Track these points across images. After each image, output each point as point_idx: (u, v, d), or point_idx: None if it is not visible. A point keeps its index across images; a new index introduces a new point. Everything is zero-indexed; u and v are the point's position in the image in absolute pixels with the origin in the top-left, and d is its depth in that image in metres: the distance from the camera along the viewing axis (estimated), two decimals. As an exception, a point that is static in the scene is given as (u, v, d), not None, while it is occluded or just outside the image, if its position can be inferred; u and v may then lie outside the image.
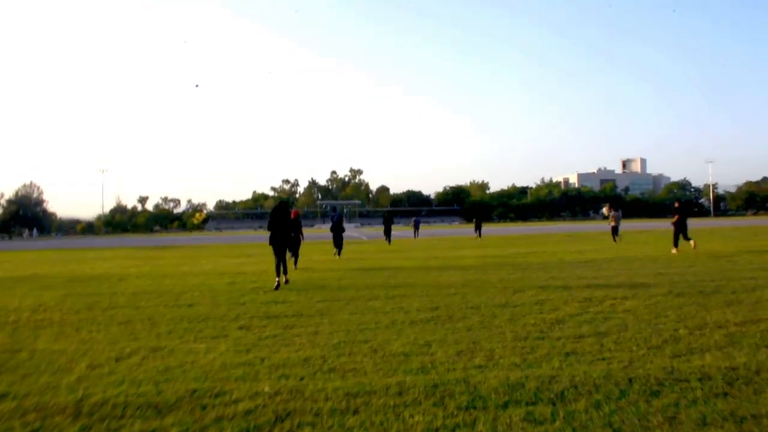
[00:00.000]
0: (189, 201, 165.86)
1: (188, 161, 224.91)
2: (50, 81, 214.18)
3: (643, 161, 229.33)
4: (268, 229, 13.60)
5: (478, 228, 44.05)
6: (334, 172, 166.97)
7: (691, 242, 19.97)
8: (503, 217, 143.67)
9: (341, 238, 22.96)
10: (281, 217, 13.57)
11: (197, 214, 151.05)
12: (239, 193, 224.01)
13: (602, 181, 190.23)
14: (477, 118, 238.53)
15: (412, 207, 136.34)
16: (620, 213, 30.43)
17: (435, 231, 61.49)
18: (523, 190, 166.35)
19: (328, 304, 10.00)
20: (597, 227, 53.28)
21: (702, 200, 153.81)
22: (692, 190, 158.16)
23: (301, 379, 5.36)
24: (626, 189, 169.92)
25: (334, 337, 7.12)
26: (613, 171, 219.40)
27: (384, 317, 8.47)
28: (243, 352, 6.48)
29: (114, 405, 4.73)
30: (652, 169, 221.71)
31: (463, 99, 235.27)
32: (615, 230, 29.27)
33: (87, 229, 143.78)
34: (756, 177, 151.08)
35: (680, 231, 20.20)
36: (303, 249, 19.88)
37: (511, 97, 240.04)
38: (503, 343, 6.53)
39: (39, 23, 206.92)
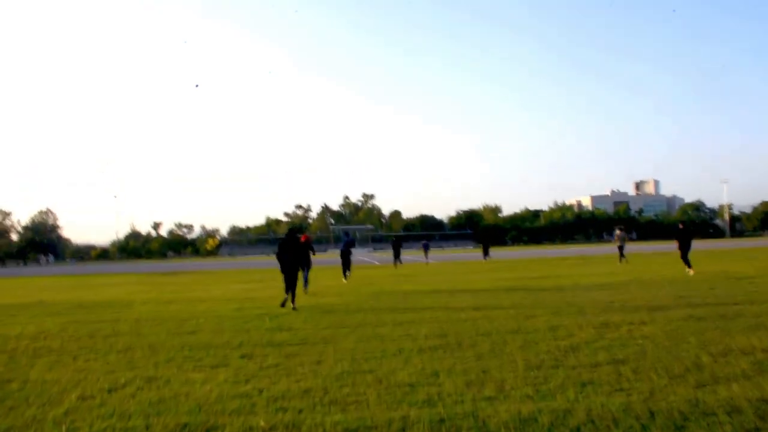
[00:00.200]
0: (202, 226, 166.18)
1: (201, 187, 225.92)
2: (59, 97, 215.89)
3: (657, 183, 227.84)
4: (278, 258, 13.95)
5: (486, 251, 43.63)
6: (346, 197, 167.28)
7: (690, 271, 19.61)
8: (516, 241, 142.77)
9: (350, 262, 23.56)
10: (290, 246, 14.05)
11: (210, 240, 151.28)
12: (252, 218, 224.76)
13: (616, 203, 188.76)
14: (488, 142, 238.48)
15: (425, 231, 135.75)
16: (625, 234, 30.21)
17: (447, 255, 61.02)
18: (536, 214, 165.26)
19: (334, 330, 9.69)
20: (611, 250, 52.38)
21: (717, 221, 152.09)
22: (707, 210, 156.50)
23: (300, 412, 5.05)
24: (640, 211, 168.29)
25: (337, 367, 6.81)
26: (626, 193, 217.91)
27: (391, 345, 8.15)
28: (242, 383, 6.18)
29: (99, 441, 4.45)
30: (666, 191, 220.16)
31: (475, 122, 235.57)
32: (621, 250, 29.23)
33: (101, 255, 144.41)
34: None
35: (685, 251, 20.23)
36: (313, 274, 19.74)
37: (522, 120, 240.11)
38: (515, 372, 6.19)
39: (43, 41, 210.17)
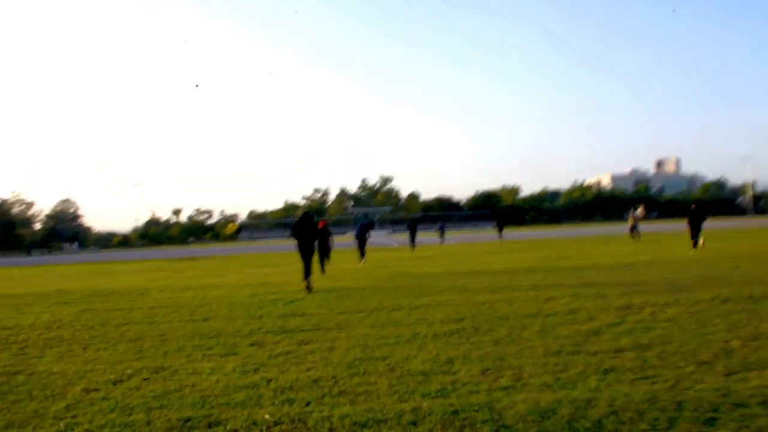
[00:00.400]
0: (221, 212, 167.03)
1: (220, 172, 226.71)
2: (59, 97, 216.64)
3: (678, 161, 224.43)
4: (294, 238, 14.42)
5: (500, 230, 43.20)
6: (364, 180, 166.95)
7: (701, 241, 20.53)
8: (535, 221, 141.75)
9: (365, 244, 23.93)
10: (305, 227, 14.44)
11: (230, 225, 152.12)
12: (271, 202, 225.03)
13: (636, 182, 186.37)
14: (508, 122, 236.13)
15: (443, 212, 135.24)
16: (639, 213, 31.17)
17: (465, 236, 60.56)
18: (555, 194, 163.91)
19: (348, 316, 9.49)
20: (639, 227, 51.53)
21: (740, 199, 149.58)
22: (729, 189, 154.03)
23: (307, 404, 4.85)
24: (661, 190, 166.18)
25: (349, 354, 6.60)
26: (647, 172, 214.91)
27: (406, 330, 7.93)
28: (250, 372, 6.00)
29: (98, 438, 4.28)
30: (687, 169, 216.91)
31: (494, 103, 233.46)
32: (633, 228, 31.03)
33: (123, 242, 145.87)
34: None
35: (695, 231, 20.74)
36: (331, 257, 19.86)
37: (542, 99, 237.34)
38: (533, 359, 5.93)
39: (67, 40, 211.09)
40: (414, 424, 4.24)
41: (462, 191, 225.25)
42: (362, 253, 23.68)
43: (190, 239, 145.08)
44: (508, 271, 16.20)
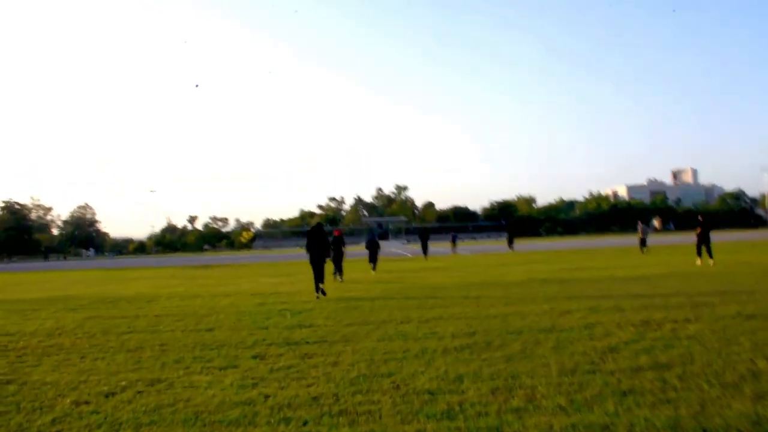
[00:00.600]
0: (237, 220, 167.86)
1: (236, 181, 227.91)
2: (61, 97, 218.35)
3: (695, 172, 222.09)
4: (306, 250, 14.86)
5: (510, 241, 42.86)
6: (380, 189, 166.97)
7: (709, 261, 19.99)
8: (551, 232, 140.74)
9: (376, 254, 24.65)
10: (318, 238, 14.88)
11: (245, 233, 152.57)
12: (286, 211, 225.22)
13: (652, 193, 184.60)
14: (523, 132, 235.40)
15: (458, 223, 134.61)
16: (647, 227, 31.54)
17: (480, 247, 60.07)
18: (571, 204, 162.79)
19: (355, 328, 9.19)
20: (649, 241, 50.77)
21: (758, 211, 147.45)
22: (747, 200, 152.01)
23: (305, 423, 4.57)
24: (678, 201, 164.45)
25: (354, 370, 6.31)
26: (663, 182, 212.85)
27: (414, 344, 7.62)
28: (248, 387, 5.73)
29: (80, 457, 4.02)
30: (704, 180, 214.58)
31: (509, 113, 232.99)
32: (643, 242, 31.74)
33: (138, 248, 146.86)
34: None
35: (702, 243, 20.61)
36: (344, 266, 20.20)
37: (557, 109, 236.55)
38: (547, 378, 5.60)
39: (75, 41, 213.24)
40: (416, 449, 3.95)
41: (478, 201, 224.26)
42: (374, 261, 24.31)
43: (206, 247, 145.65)
44: (522, 283, 15.83)
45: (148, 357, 7.51)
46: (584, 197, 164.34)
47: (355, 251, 30.40)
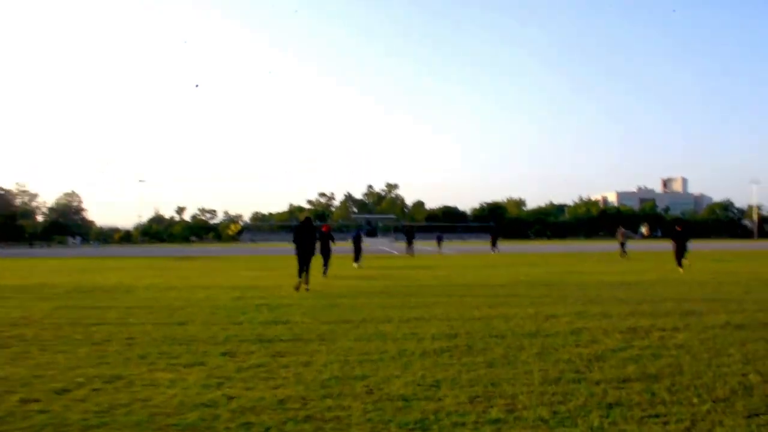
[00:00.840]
0: (225, 212, 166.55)
1: (222, 172, 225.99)
2: (62, 96, 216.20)
3: (685, 181, 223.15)
4: (294, 243, 14.84)
5: (493, 243, 42.67)
6: (370, 186, 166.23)
7: (686, 262, 20.49)
8: (539, 235, 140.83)
9: (360, 251, 25.67)
10: (305, 232, 14.94)
11: (232, 225, 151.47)
12: (275, 205, 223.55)
13: (642, 200, 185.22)
14: (514, 135, 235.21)
15: (448, 222, 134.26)
16: (629, 231, 32.11)
17: (468, 248, 59.80)
18: (561, 208, 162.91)
19: (333, 326, 8.85)
20: (637, 247, 50.81)
21: (745, 222, 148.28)
22: (735, 211, 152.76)
23: (267, 429, 4.22)
24: (666, 209, 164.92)
25: (326, 371, 5.97)
26: (653, 190, 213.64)
27: (392, 345, 7.30)
28: (212, 387, 5.38)
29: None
30: (694, 189, 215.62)
31: (501, 116, 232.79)
32: (623, 246, 32.02)
33: (124, 237, 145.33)
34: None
35: (680, 252, 20.77)
36: (331, 262, 19.86)
37: (550, 115, 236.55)
38: (529, 386, 5.29)
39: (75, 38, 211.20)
40: (384, 463, 3.62)
41: (468, 202, 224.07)
42: (357, 257, 25.14)
43: (192, 238, 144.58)
44: (508, 285, 15.54)
45: (113, 351, 7.13)
46: (574, 202, 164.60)
47: (343, 247, 29.97)
